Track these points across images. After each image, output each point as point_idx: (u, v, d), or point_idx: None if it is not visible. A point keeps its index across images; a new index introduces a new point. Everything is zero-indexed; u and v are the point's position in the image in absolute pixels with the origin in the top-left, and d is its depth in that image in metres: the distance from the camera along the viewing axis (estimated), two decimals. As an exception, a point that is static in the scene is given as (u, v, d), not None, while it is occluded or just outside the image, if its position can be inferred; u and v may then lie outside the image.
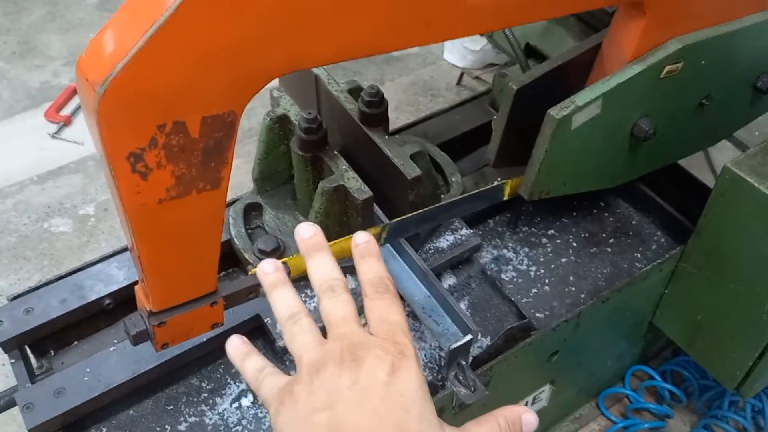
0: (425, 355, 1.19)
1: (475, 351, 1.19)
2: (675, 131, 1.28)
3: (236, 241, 1.22)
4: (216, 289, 0.89)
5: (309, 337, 0.58)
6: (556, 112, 1.05)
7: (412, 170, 1.09)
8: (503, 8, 0.84)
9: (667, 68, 1.12)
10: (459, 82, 2.72)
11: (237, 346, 0.67)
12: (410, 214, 1.10)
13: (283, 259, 0.99)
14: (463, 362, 1.08)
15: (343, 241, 1.05)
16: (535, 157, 1.11)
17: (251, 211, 1.30)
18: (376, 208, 1.21)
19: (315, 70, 1.26)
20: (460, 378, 1.09)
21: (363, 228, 1.09)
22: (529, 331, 1.20)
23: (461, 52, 2.74)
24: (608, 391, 1.66)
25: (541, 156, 1.10)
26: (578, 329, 1.27)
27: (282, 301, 0.63)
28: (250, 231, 1.27)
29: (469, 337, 1.05)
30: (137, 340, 0.87)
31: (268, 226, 1.26)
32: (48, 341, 1.19)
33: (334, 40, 0.71)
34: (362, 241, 0.65)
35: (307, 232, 0.66)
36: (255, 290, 0.96)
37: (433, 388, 1.13)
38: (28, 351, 1.18)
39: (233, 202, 1.31)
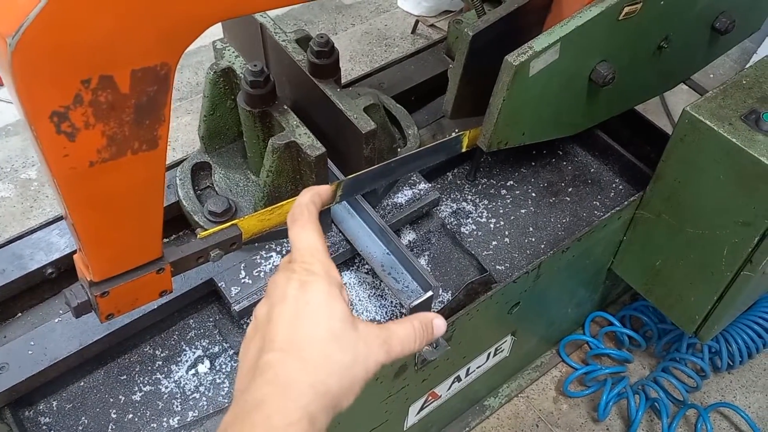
0: (386, 313, 1.17)
1: (436, 306, 1.17)
2: (633, 76, 1.25)
3: (185, 203, 1.17)
4: (162, 255, 0.84)
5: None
6: (514, 58, 1.01)
7: (366, 124, 1.04)
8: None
9: (626, 9, 1.08)
10: (414, 31, 2.65)
11: (300, 204, 0.69)
12: (366, 170, 1.06)
13: (234, 221, 0.95)
14: (424, 319, 1.06)
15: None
16: (492, 107, 1.07)
17: (200, 171, 1.23)
18: (331, 165, 1.17)
19: (260, 18, 1.19)
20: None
21: (316, 184, 1.05)
22: (489, 284, 1.18)
23: (415, 0, 2.66)
24: (569, 338, 1.67)
25: (499, 105, 1.06)
26: (538, 280, 1.26)
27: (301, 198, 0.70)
28: (199, 192, 1.21)
29: (429, 293, 1.03)
30: (79, 311, 0.82)
31: (218, 186, 1.20)
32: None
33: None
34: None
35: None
36: (204, 255, 0.91)
37: (395, 346, 1.11)
38: (-31, 325, 1.12)
39: (181, 161, 1.24)
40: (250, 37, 1.26)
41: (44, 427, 1.06)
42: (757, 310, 1.66)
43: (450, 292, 1.21)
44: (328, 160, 1.17)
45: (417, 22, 2.64)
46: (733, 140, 1.08)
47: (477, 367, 1.40)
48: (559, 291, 1.44)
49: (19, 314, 1.16)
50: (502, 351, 1.43)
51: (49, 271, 1.12)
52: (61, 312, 1.12)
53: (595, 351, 1.66)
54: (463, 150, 1.20)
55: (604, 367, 1.65)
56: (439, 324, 0.66)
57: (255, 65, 1.04)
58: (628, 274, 1.46)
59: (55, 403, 1.09)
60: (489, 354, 1.40)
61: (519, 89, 1.05)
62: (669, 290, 1.37)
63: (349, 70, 2.47)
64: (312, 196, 0.70)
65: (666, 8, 1.15)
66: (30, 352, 1.02)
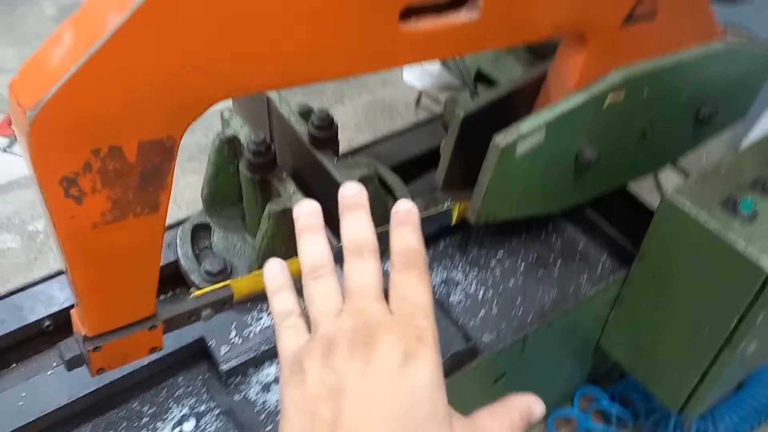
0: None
1: (421, 374, 1.19)
2: (619, 158, 1.31)
3: (183, 261, 1.21)
4: (155, 312, 0.87)
5: (326, 303, 0.54)
6: (501, 140, 1.07)
7: (359, 194, 1.09)
8: (449, 41, 0.85)
9: (611, 97, 1.15)
10: (418, 103, 2.74)
11: (274, 274, 0.63)
12: (357, 238, 1.10)
13: (227, 282, 0.99)
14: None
15: (291, 263, 1.04)
16: (480, 183, 1.12)
17: (200, 231, 1.28)
18: (328, 232, 1.21)
19: (267, 93, 1.26)
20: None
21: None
22: (474, 354, 1.21)
23: (420, 74, 2.76)
24: (557, 412, 1.68)
25: (486, 182, 1.11)
26: (524, 352, 1.28)
27: (309, 248, 0.59)
28: (198, 252, 1.26)
29: (413, 361, 1.05)
30: (72, 365, 0.85)
31: (216, 247, 1.25)
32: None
33: (272, 68, 0.71)
34: (403, 208, 0.60)
35: (351, 190, 0.62)
36: (196, 314, 0.95)
37: (379, 412, 1.13)
38: (-36, 374, 1.15)
39: (184, 221, 1.29)
40: (257, 107, 1.33)
41: (28, 478, 1.08)
42: (747, 389, 1.67)
43: (436, 360, 1.23)
44: (326, 228, 1.21)
45: (420, 95, 2.73)
46: (711, 226, 1.12)
47: (462, 437, 1.41)
48: (547, 364, 1.46)
49: (14, 365, 1.18)
50: (488, 422, 1.44)
51: (47, 323, 1.15)
52: (54, 365, 1.15)
53: (582, 427, 1.67)
54: (453, 222, 1.24)
55: (591, 442, 1.65)
56: (538, 409, 0.58)
57: (258, 135, 1.10)
58: (615, 349, 1.48)
59: (41, 456, 1.11)
60: (474, 424, 1.41)
61: (506, 168, 1.10)
62: (654, 367, 1.39)
63: (352, 138, 2.55)
64: (423, 249, 0.57)
65: (649, 97, 1.22)
66: (21, 404, 1.05)
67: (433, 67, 2.72)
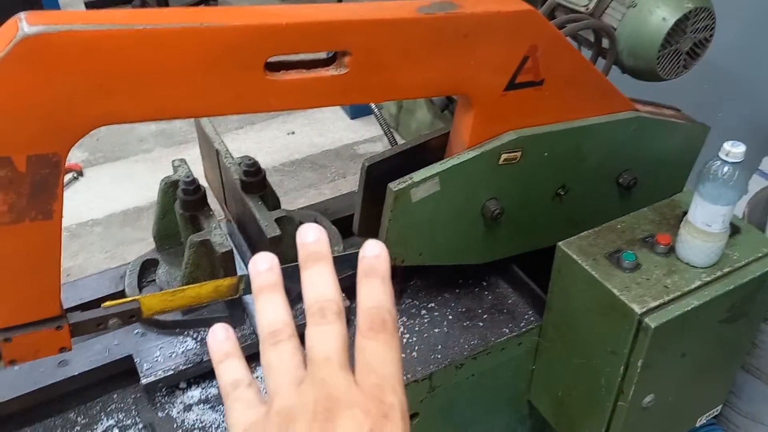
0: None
1: (328, 403, 1.28)
2: (532, 217, 1.41)
3: (127, 290, 1.37)
4: (60, 313, 1.02)
5: (285, 373, 0.49)
6: (395, 185, 1.20)
7: (272, 230, 1.24)
8: (319, 92, 1.01)
9: (504, 156, 1.27)
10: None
11: (218, 342, 0.55)
12: (268, 270, 1.24)
13: (135, 297, 1.13)
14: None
15: (200, 287, 1.19)
16: (381, 226, 1.25)
17: (150, 266, 1.44)
18: (245, 262, 1.35)
19: (216, 146, 1.45)
20: None
21: (226, 276, 1.23)
22: (380, 388, 1.29)
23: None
24: (497, 470, 1.71)
25: (386, 225, 1.24)
26: (436, 393, 1.36)
27: (267, 310, 0.53)
28: (144, 284, 1.41)
29: (304, 381, 1.16)
30: (-15, 353, 1.00)
31: (159, 280, 1.40)
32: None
33: (143, 105, 0.88)
34: (371, 253, 0.53)
35: (310, 236, 0.54)
36: (104, 322, 1.09)
37: None
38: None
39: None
40: (212, 160, 1.51)
41: (-37, 472, 1.21)
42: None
43: (348, 393, 1.33)
44: (241, 260, 1.36)
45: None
46: (593, 273, 1.21)
47: (385, 479, 1.47)
48: (472, 413, 1.51)
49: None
50: (412, 466, 1.50)
51: (1, 335, 1.31)
52: None
53: (523, 486, 1.69)
54: (371, 266, 1.36)
55: (529, 503, 1.66)
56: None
57: (188, 176, 1.27)
58: (541, 404, 1.53)
59: (-20, 453, 1.24)
60: (397, 466, 1.46)
61: (403, 213, 1.23)
62: (570, 421, 1.43)
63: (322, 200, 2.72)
64: (392, 308, 0.51)
65: (552, 159, 1.34)
66: (-40, 399, 1.20)
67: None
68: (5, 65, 0.77)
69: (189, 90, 0.90)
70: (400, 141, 2.80)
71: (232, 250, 1.22)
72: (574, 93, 1.30)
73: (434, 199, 1.25)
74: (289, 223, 1.31)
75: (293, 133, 3.21)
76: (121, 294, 1.40)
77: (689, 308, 1.15)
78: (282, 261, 1.29)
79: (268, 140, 3.13)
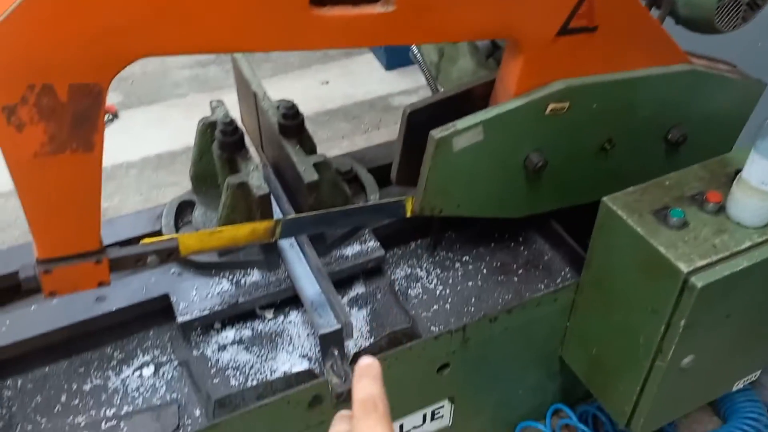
0: (318, 351, 1.29)
1: (354, 349, 1.28)
2: (576, 170, 1.37)
3: (164, 230, 1.37)
4: (100, 248, 1.02)
5: None
6: (437, 132, 1.17)
7: (310, 175, 1.22)
8: (364, 30, 0.98)
9: (551, 106, 1.23)
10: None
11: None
12: (305, 214, 1.23)
13: (174, 235, 1.12)
14: (336, 352, 1.18)
15: (237, 228, 1.18)
16: (421, 175, 1.23)
17: (187, 207, 1.44)
18: (288, 210, 1.34)
19: (254, 89, 1.42)
20: (334, 368, 1.18)
21: (263, 219, 1.22)
22: (413, 336, 1.29)
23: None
24: (524, 424, 1.71)
25: (426, 174, 1.21)
26: (468, 345, 1.35)
27: (365, 388, 0.61)
28: (181, 225, 1.41)
29: (338, 326, 1.16)
30: (26, 284, 1.01)
31: (196, 221, 1.40)
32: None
33: (188, 36, 0.86)
34: (364, 363, 0.63)
35: (366, 360, 0.65)
36: (143, 258, 1.09)
37: (312, 376, 1.23)
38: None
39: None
40: (250, 103, 1.49)
41: (4, 399, 1.24)
42: (729, 426, 1.65)
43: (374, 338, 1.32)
44: (289, 207, 1.35)
45: (454, 125, 2.85)
46: (639, 230, 1.17)
47: (413, 427, 1.47)
48: (503, 366, 1.50)
49: (12, 304, 1.36)
50: (440, 416, 1.50)
51: (40, 269, 1.33)
52: (33, 307, 1.31)
53: (549, 442, 1.69)
54: (408, 215, 1.34)
55: (555, 458, 1.67)
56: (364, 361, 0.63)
57: (226, 117, 1.25)
58: (573, 361, 1.51)
59: (20, 382, 1.27)
60: (425, 416, 1.47)
61: (443, 161, 1.20)
62: (604, 379, 1.41)
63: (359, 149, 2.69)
64: (383, 397, 0.59)
65: (600, 112, 1.29)
66: (2, 330, 1.22)
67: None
68: (48, -10, 0.75)
69: (232, 22, 0.88)
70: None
71: (269, 193, 1.20)
72: (627, 42, 1.25)
73: (476, 149, 1.22)
74: (326, 169, 1.29)
75: (327, 82, 3.17)
76: (158, 234, 1.39)
77: (738, 269, 1.11)
78: (318, 206, 1.28)
79: (301, 89, 3.08)
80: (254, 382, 1.23)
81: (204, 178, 1.42)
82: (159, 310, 1.32)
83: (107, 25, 0.80)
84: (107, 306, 1.26)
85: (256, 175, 1.23)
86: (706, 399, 1.54)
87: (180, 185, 2.59)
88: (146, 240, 1.10)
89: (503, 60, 1.22)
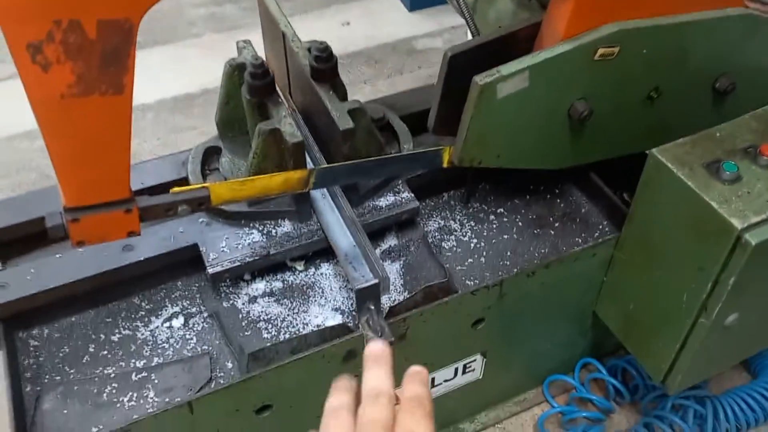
0: (351, 305, 1.26)
1: (393, 303, 1.24)
2: (621, 120, 1.31)
3: (190, 177, 1.32)
4: (130, 196, 0.98)
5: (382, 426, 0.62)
6: (480, 78, 1.11)
7: (345, 122, 1.16)
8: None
9: (601, 50, 1.16)
10: (476, 79, 2.76)
11: (340, 382, 0.69)
12: (339, 163, 1.17)
13: (205, 184, 1.08)
14: (372, 307, 1.15)
15: (269, 178, 1.13)
16: (462, 123, 1.17)
17: (212, 154, 1.39)
18: (319, 158, 1.29)
19: (282, 29, 1.35)
20: (370, 323, 1.15)
21: (296, 169, 1.17)
22: (449, 290, 1.25)
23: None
24: (553, 377, 1.69)
25: (467, 122, 1.15)
26: (504, 300, 1.31)
27: (374, 378, 0.67)
28: (207, 172, 1.36)
29: (375, 280, 1.12)
30: (53, 232, 0.97)
31: (223, 169, 1.35)
32: (10, 248, 1.30)
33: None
34: (414, 370, 0.69)
35: (377, 346, 0.71)
36: (173, 208, 1.04)
37: (346, 330, 1.20)
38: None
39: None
40: (277, 45, 1.42)
41: (31, 349, 1.22)
42: (757, 382, 1.62)
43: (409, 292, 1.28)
44: (320, 156, 1.29)
45: (479, 70, 2.76)
46: (690, 184, 1.11)
47: (444, 380, 1.45)
48: (536, 321, 1.47)
49: (35, 252, 1.33)
50: (472, 370, 1.48)
51: (65, 216, 1.29)
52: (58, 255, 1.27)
53: (578, 394, 1.67)
54: (444, 165, 1.29)
55: (581, 410, 1.65)
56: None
57: (256, 59, 1.19)
58: (608, 317, 1.48)
59: (46, 331, 1.24)
60: (457, 369, 1.45)
61: (486, 109, 1.14)
62: (640, 336, 1.38)
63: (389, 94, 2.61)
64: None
65: (650, 58, 1.22)
66: (28, 278, 1.19)
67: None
68: None
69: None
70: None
71: (303, 141, 1.15)
72: (684, -17, 1.17)
73: (521, 96, 1.15)
74: (361, 116, 1.22)
75: (348, 23, 3.06)
76: (184, 181, 1.35)
77: (795, 227, 1.06)
78: (353, 155, 1.22)
79: (321, 31, 2.98)
80: (287, 335, 1.20)
81: (231, 123, 1.37)
82: (187, 260, 1.29)
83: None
84: (135, 255, 1.22)
85: (288, 122, 1.17)
86: (744, 356, 1.51)
87: (198, 129, 2.53)
88: (176, 189, 1.05)
89: (551, 3, 1.14)
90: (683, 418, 1.60)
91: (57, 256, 1.22)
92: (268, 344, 1.15)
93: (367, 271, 1.17)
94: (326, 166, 1.16)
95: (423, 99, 1.59)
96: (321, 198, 1.28)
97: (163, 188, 1.35)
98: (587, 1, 1.10)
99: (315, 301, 1.27)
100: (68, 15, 0.74)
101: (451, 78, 1.20)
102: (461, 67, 1.18)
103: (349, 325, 1.20)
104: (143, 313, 1.28)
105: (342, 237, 1.23)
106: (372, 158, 1.20)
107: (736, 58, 1.33)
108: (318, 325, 1.22)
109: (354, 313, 1.25)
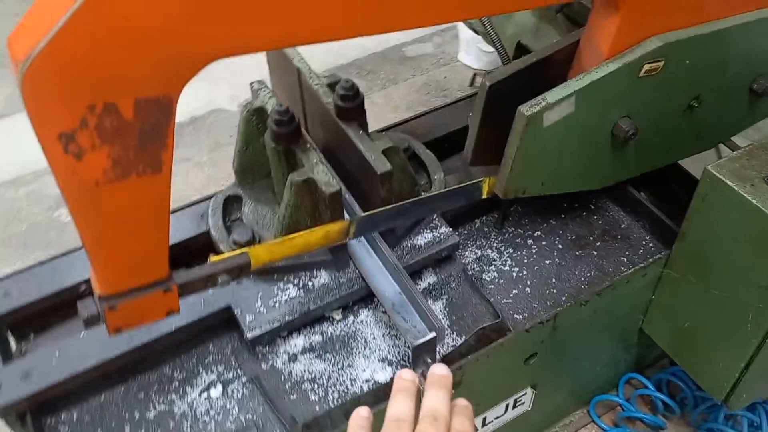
0: (398, 353, 1.18)
1: (447, 350, 1.17)
2: (662, 133, 1.25)
3: (213, 232, 1.23)
4: (168, 275, 0.89)
5: None
6: (526, 109, 1.03)
7: (382, 165, 1.08)
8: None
9: (647, 67, 1.09)
10: (472, 84, 2.70)
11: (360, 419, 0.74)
12: (380, 209, 1.10)
13: (244, 249, 0.99)
14: (429, 360, 1.07)
15: (309, 234, 1.05)
16: (507, 155, 1.09)
17: (232, 203, 1.30)
18: (353, 203, 1.21)
19: (297, 64, 1.27)
20: (427, 375, 1.07)
21: (332, 221, 1.09)
22: (503, 331, 1.18)
23: (476, 54, 2.72)
24: (599, 397, 1.63)
25: (512, 154, 1.08)
26: (557, 332, 1.24)
27: (398, 405, 0.72)
28: (229, 223, 1.28)
29: (432, 334, 1.04)
30: (89, 323, 0.88)
31: (247, 218, 1.26)
32: (27, 325, 1.21)
33: (274, 25, 0.71)
34: (438, 372, 0.77)
35: (442, 370, 0.77)
36: (212, 279, 0.96)
37: (400, 385, 1.12)
38: (9, 335, 1.21)
39: (217, 193, 1.32)
40: (290, 81, 1.33)
41: (63, 435, 1.12)
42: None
43: (463, 337, 1.21)
44: (351, 199, 1.21)
45: (474, 75, 2.69)
46: (753, 201, 1.06)
47: (495, 418, 1.38)
48: (585, 346, 1.41)
49: (55, 328, 1.23)
50: (522, 404, 1.41)
51: (83, 288, 1.19)
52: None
53: (626, 413, 1.61)
54: (484, 196, 1.22)
55: (635, 431, 1.59)
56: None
57: (281, 105, 1.10)
58: (658, 335, 1.42)
59: (75, 414, 1.15)
60: (507, 405, 1.38)
61: (533, 139, 1.07)
62: (697, 354, 1.32)
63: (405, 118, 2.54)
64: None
65: (693, 68, 1.15)
66: (53, 362, 1.09)
67: (488, 46, 2.67)
68: (107, -13, 0.59)
69: (329, 6, 0.72)
70: (485, 47, 2.57)
71: (340, 189, 1.07)
72: (725, -12, 1.11)
73: (566, 122, 1.08)
74: (395, 154, 1.15)
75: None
76: (206, 235, 1.26)
77: None
78: (389, 197, 1.14)
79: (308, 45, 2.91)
80: (335, 395, 1.12)
81: (251, 169, 1.28)
82: (219, 324, 1.20)
83: (176, 21, 0.65)
84: (165, 326, 1.13)
85: (321, 169, 1.09)
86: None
87: (192, 160, 2.43)
88: (214, 258, 0.97)
89: (592, 18, 1.07)
90: (737, 428, 1.55)
91: (81, 335, 1.13)
92: (321, 412, 1.07)
93: (418, 320, 1.10)
94: (367, 214, 1.08)
95: (443, 121, 1.53)
96: (357, 242, 1.20)
97: (184, 246, 1.27)
98: (632, 16, 1.03)
99: (359, 352, 1.19)
100: (103, 98, 0.65)
101: (489, 107, 1.13)
102: (500, 95, 1.11)
103: (403, 379, 1.13)
104: (177, 383, 1.19)
105: (386, 284, 1.15)
106: (412, 199, 1.12)
107: (773, 57, 1.28)
108: (367, 380, 1.14)
109: (403, 362, 1.17)
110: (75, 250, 1.27)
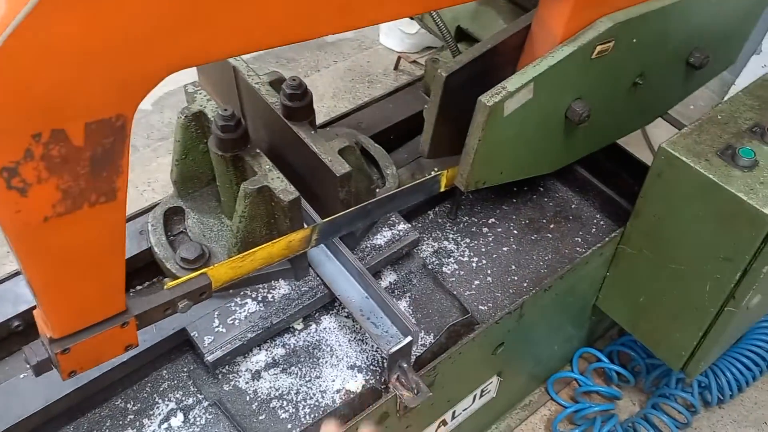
0: (367, 358, 1.14)
1: (417, 350, 1.14)
2: (610, 112, 1.25)
3: (156, 249, 1.14)
4: (126, 308, 0.81)
5: None
6: (488, 99, 1.00)
7: (341, 167, 1.03)
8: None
9: (599, 48, 1.08)
10: (396, 67, 2.65)
11: None
12: (342, 213, 1.04)
13: (203, 270, 0.92)
14: (405, 365, 1.03)
15: (271, 246, 0.98)
16: (468, 147, 1.06)
17: (173, 216, 1.21)
18: (307, 208, 1.15)
19: (233, 62, 1.18)
20: (403, 381, 1.04)
21: (291, 229, 1.03)
22: (472, 326, 1.16)
23: (398, 36, 2.67)
24: (557, 375, 1.64)
25: (474, 145, 1.05)
26: (522, 319, 1.23)
27: None
28: (172, 238, 1.19)
29: (408, 339, 1.00)
30: (39, 370, 0.79)
31: (192, 232, 1.18)
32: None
33: (231, 33, 0.64)
34: None
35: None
36: (172, 306, 0.88)
37: (376, 393, 1.08)
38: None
39: (155, 206, 1.22)
40: (224, 80, 1.24)
41: (10, 488, 1.02)
42: (746, 342, 1.64)
43: (432, 335, 1.18)
44: (305, 203, 1.15)
45: (399, 58, 2.65)
46: (711, 176, 1.07)
47: (463, 410, 1.37)
48: (545, 329, 1.41)
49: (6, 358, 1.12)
50: (488, 392, 1.40)
51: (16, 323, 1.08)
52: (27, 367, 1.08)
53: (583, 388, 1.63)
54: (442, 190, 1.18)
55: (593, 404, 1.61)
56: None
57: (225, 110, 1.02)
58: (613, 310, 1.43)
59: (22, 462, 1.05)
60: (475, 396, 1.36)
61: (494, 129, 1.04)
62: (654, 326, 1.34)
63: (332, 107, 2.47)
64: None
65: (639, 46, 1.15)
66: (-5, 410, 0.99)
67: (411, 28, 2.63)
68: (43, 6, 0.51)
69: (287, 8, 0.66)
70: (407, 29, 2.51)
71: (299, 197, 1.00)
72: (669, -36, 1.10)
73: (524, 109, 1.06)
74: (351, 154, 1.09)
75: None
76: (149, 252, 1.17)
77: (826, 206, 1.03)
78: (349, 198, 1.09)
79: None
80: (306, 410, 1.07)
81: (191, 179, 1.19)
82: (172, 348, 1.12)
83: (128, 35, 0.57)
84: (118, 357, 1.04)
85: (275, 176, 1.02)
86: (749, 327, 1.52)
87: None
88: (171, 283, 0.89)
89: (543, 3, 1.05)
90: (687, 390, 1.60)
91: (21, 376, 1.02)
92: (295, 431, 1.02)
93: (389, 324, 1.06)
94: (329, 219, 1.02)
95: (386, 114, 1.48)
96: (317, 250, 1.14)
97: (128, 266, 1.17)
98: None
99: (326, 362, 1.14)
100: (50, 125, 0.57)
101: (446, 98, 1.08)
102: (455, 85, 1.07)
103: (376, 386, 1.09)
104: (132, 416, 1.10)
105: (350, 289, 1.10)
106: (374, 199, 1.07)
107: (706, 30, 1.30)
108: (338, 390, 1.10)
109: (373, 367, 1.13)
110: (5, 279, 1.15)
